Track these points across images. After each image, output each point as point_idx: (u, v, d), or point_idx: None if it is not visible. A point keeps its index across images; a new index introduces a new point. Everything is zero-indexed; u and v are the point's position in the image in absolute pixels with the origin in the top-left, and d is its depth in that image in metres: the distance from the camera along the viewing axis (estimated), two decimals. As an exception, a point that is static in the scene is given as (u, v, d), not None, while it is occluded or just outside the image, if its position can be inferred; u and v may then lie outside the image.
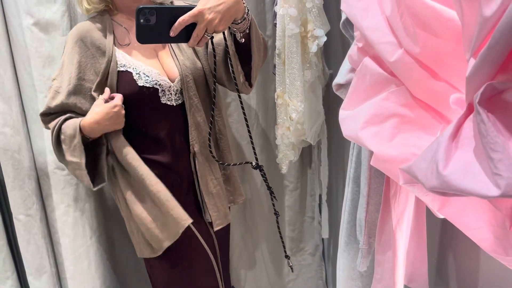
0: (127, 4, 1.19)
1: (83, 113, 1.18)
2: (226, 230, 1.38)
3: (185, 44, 1.14)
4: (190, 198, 1.26)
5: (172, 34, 0.96)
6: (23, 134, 1.36)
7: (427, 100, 0.61)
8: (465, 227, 0.57)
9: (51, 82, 1.22)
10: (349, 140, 1.37)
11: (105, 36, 1.18)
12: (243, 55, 1.17)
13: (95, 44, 1.17)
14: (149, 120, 1.20)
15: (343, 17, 0.92)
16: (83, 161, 1.13)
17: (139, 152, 1.18)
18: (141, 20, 0.95)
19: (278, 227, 1.32)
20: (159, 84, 1.17)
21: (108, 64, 1.16)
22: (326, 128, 1.46)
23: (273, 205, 1.28)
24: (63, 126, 1.16)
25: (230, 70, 1.11)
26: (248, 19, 1.08)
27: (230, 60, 1.12)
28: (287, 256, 1.36)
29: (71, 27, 1.34)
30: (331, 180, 1.57)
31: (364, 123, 0.63)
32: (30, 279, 1.41)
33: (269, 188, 1.25)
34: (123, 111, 1.15)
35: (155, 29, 0.96)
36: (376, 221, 1.00)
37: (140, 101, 1.17)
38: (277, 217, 1.30)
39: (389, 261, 0.86)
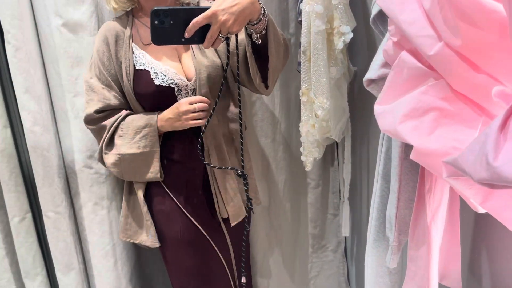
0: (151, 5, 1.21)
1: (123, 106, 1.22)
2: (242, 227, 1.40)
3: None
4: (203, 197, 1.28)
5: (186, 35, 0.97)
6: (52, 132, 1.39)
7: (467, 93, 0.60)
8: (509, 221, 0.57)
9: (83, 82, 1.25)
10: (374, 138, 1.38)
11: (125, 35, 1.21)
12: (261, 56, 1.16)
13: (116, 42, 1.21)
14: None
15: (374, 12, 0.91)
16: (158, 149, 1.19)
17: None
18: (156, 22, 0.96)
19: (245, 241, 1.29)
20: (175, 83, 1.19)
21: (126, 62, 1.19)
22: (350, 126, 1.45)
23: (246, 217, 1.28)
24: (125, 121, 1.20)
25: (239, 71, 1.12)
26: (265, 20, 1.06)
27: (238, 62, 1.13)
28: (243, 272, 1.28)
29: (98, 28, 1.36)
30: (354, 178, 1.56)
31: (402, 117, 0.63)
32: (58, 275, 1.44)
33: (248, 200, 1.22)
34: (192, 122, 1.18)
35: (170, 30, 0.97)
36: (406, 217, 0.99)
37: (157, 100, 1.20)
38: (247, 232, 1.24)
39: (423, 257, 0.85)
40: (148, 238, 1.25)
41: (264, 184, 1.66)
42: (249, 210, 1.24)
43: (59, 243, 1.41)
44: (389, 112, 0.67)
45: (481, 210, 0.67)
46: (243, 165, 1.23)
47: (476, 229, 0.92)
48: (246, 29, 1.10)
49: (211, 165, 1.21)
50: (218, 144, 1.27)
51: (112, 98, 1.21)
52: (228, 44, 1.04)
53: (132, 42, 1.22)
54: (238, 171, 1.19)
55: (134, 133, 1.18)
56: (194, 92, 1.21)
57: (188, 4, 1.31)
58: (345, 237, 1.78)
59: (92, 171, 1.44)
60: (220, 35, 0.98)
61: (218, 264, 1.29)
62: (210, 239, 1.27)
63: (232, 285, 1.33)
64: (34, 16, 1.34)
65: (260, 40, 1.09)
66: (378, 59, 0.87)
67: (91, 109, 1.21)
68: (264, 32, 1.08)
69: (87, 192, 1.44)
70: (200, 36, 0.98)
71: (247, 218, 1.24)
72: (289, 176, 1.69)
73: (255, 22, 1.04)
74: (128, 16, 1.25)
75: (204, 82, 1.20)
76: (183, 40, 0.98)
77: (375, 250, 1.10)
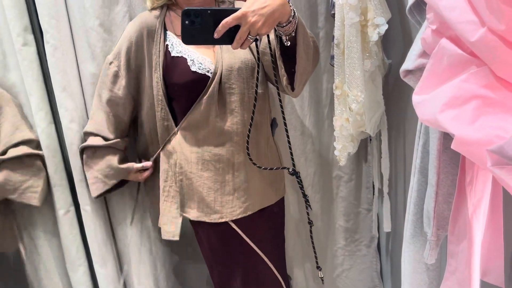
0: (188, 1, 1.23)
1: (127, 98, 1.32)
2: (276, 216, 1.41)
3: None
4: (233, 183, 1.29)
5: (216, 35, 0.97)
6: (88, 129, 1.44)
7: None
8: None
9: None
10: (410, 131, 1.35)
11: (158, 25, 1.25)
12: (290, 59, 1.15)
13: (148, 33, 1.25)
14: (191, 105, 1.24)
15: (410, 1, 0.89)
16: None
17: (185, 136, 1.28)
18: (186, 22, 0.97)
19: (311, 237, 1.32)
20: (211, 72, 1.21)
21: (157, 52, 1.22)
22: (386, 119, 1.43)
23: (307, 213, 1.29)
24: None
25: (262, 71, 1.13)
26: (295, 22, 1.05)
27: (273, 62, 1.13)
28: (318, 267, 1.38)
29: (131, 27, 1.40)
30: (389, 173, 1.54)
31: (443, 106, 0.61)
32: (96, 267, 1.49)
33: (304, 196, 1.26)
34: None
35: (200, 30, 0.98)
36: (445, 212, 0.97)
37: (192, 86, 1.22)
38: (310, 227, 1.30)
39: (464, 252, 0.83)
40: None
41: (293, 177, 1.65)
42: (306, 206, 1.28)
43: (96, 235, 1.45)
44: (428, 101, 0.65)
45: (527, 203, 0.64)
46: (294, 163, 1.23)
47: (520, 223, 0.89)
48: (275, 30, 1.10)
49: (263, 167, 1.22)
50: (256, 141, 1.28)
51: (121, 89, 1.29)
52: (257, 46, 1.04)
53: (167, 30, 1.25)
54: (290, 170, 1.21)
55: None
56: (220, 83, 1.22)
57: (223, 3, 1.33)
58: (378, 232, 1.75)
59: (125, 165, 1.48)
60: (249, 36, 0.98)
61: (256, 259, 1.31)
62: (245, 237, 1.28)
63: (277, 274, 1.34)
64: (69, 16, 1.39)
65: (289, 42, 1.08)
66: (415, 49, 0.85)
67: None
68: (293, 34, 1.07)
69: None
70: (229, 36, 0.98)
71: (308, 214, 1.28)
72: (319, 168, 1.68)
73: (284, 24, 1.03)
74: (162, 8, 1.28)
75: (233, 75, 1.21)
76: (212, 40, 0.98)
77: (412, 245, 1.08)
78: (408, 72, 0.87)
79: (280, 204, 1.44)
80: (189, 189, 1.28)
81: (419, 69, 0.85)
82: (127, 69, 1.28)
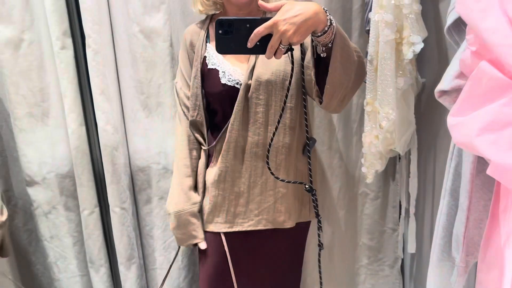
0: (234, 12, 1.25)
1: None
2: (292, 243, 1.39)
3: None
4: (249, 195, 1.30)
5: (249, 45, 0.97)
6: (121, 132, 1.48)
7: (555, 106, 0.57)
8: None
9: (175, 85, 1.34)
10: (441, 152, 1.32)
11: (200, 36, 1.28)
12: (327, 70, 1.10)
13: (193, 44, 1.28)
14: (227, 115, 1.25)
15: (449, 21, 0.88)
16: None
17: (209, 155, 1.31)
18: (220, 31, 0.98)
19: (319, 260, 1.29)
20: (240, 84, 1.22)
21: (198, 62, 1.25)
22: (416, 139, 1.40)
23: (319, 235, 1.25)
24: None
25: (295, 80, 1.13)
26: (332, 32, 1.02)
27: (303, 74, 1.13)
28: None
29: (171, 35, 1.43)
30: (417, 193, 1.50)
31: (480, 130, 0.60)
32: (121, 268, 1.51)
33: (317, 215, 1.23)
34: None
35: (234, 40, 0.98)
36: (475, 238, 0.94)
37: (222, 97, 1.24)
38: (319, 250, 1.27)
39: (494, 282, 0.80)
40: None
41: (318, 190, 1.64)
42: (318, 227, 1.24)
43: (123, 237, 1.48)
44: (464, 124, 0.64)
45: None
46: (311, 179, 1.22)
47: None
48: (312, 41, 1.09)
49: (280, 179, 1.21)
50: (271, 154, 1.27)
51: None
52: (292, 55, 1.03)
53: (209, 43, 1.27)
54: (307, 186, 1.19)
55: None
56: (252, 94, 1.22)
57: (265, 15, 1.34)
58: (403, 253, 1.71)
59: (159, 167, 1.51)
60: (281, 45, 0.97)
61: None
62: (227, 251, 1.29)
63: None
64: (111, 22, 1.43)
65: (326, 54, 1.06)
66: (452, 69, 0.84)
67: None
68: (330, 45, 1.04)
69: (154, 187, 1.51)
70: (263, 46, 0.98)
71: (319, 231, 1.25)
72: (345, 184, 1.67)
73: (319, 34, 1.01)
74: (206, 20, 1.31)
75: (261, 87, 1.21)
76: (246, 49, 0.99)
77: (439, 270, 1.05)
78: (444, 92, 0.86)
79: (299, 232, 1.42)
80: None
81: (455, 90, 0.83)
82: (186, 85, 1.33)
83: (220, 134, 1.26)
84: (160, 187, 1.52)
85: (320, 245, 1.27)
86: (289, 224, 1.33)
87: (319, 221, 1.25)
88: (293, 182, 1.24)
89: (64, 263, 1.57)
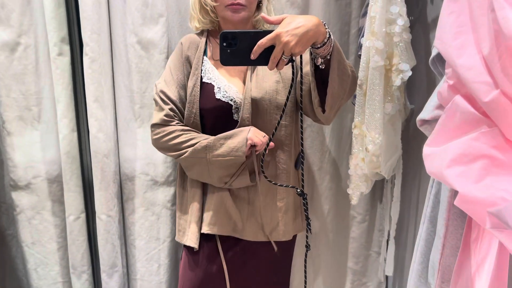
0: (230, 28, 1.27)
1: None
2: (280, 255, 1.39)
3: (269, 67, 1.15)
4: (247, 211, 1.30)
5: (252, 57, 1.01)
6: (113, 140, 1.49)
7: (522, 144, 0.59)
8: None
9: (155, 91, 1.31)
10: (426, 178, 1.34)
11: (199, 48, 1.29)
12: (325, 83, 1.15)
13: (190, 53, 1.28)
14: (216, 129, 1.26)
15: (433, 53, 0.91)
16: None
17: None
18: (224, 44, 1.01)
19: (305, 261, 1.30)
20: (234, 101, 1.23)
21: (196, 74, 1.25)
22: (402, 164, 1.42)
23: (306, 237, 1.28)
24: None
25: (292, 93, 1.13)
26: (330, 45, 1.07)
27: (302, 90, 1.13)
28: None
29: (168, 47, 1.46)
30: (401, 217, 1.52)
31: (450, 162, 0.62)
32: (103, 276, 1.51)
33: (307, 219, 1.26)
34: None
35: (237, 52, 1.02)
36: (451, 265, 0.95)
37: (215, 113, 1.25)
38: (306, 251, 1.29)
39: (464, 310, 0.81)
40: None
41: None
42: (307, 229, 1.26)
43: (107, 244, 1.48)
44: (437, 155, 0.66)
45: (530, 268, 0.63)
46: (303, 184, 1.23)
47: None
48: (311, 53, 1.12)
49: (273, 182, 1.23)
50: (273, 175, 1.29)
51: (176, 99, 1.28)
52: (293, 66, 1.06)
53: (206, 56, 1.29)
54: (298, 190, 1.21)
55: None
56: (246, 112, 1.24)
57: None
58: (387, 278, 1.71)
59: (148, 178, 1.52)
60: (284, 56, 1.01)
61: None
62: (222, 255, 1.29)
63: None
64: (110, 32, 1.46)
65: (324, 66, 1.10)
66: (433, 100, 0.86)
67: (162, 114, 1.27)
68: (328, 57, 1.10)
69: (140, 197, 1.52)
70: (265, 57, 1.02)
71: (307, 238, 1.27)
72: (334, 206, 1.67)
73: (319, 46, 1.05)
74: (203, 33, 1.33)
75: (248, 106, 1.23)
76: (249, 61, 1.02)
77: (415, 295, 1.06)
78: (425, 121, 0.88)
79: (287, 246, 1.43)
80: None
81: (435, 120, 0.86)
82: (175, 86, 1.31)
83: None
84: (146, 198, 1.52)
85: (308, 246, 1.29)
86: (286, 237, 1.35)
87: (308, 224, 1.27)
88: (285, 186, 1.26)
89: (45, 270, 1.56)
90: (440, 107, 0.84)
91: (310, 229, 1.28)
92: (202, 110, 1.27)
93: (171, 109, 1.25)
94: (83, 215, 1.51)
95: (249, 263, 1.33)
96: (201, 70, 1.27)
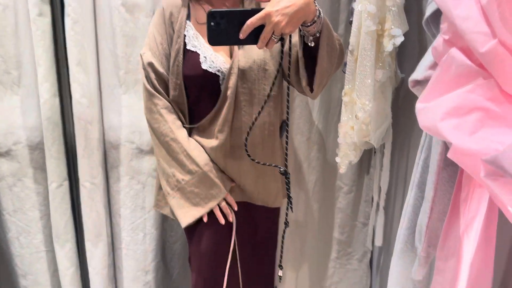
0: (219, 4, 1.22)
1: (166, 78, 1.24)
2: (272, 221, 1.39)
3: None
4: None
5: (241, 36, 0.98)
6: (97, 107, 1.45)
7: (518, 95, 0.57)
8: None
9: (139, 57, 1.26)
10: (415, 147, 1.34)
11: (181, 12, 1.23)
12: (313, 59, 1.13)
13: (173, 18, 1.23)
14: (206, 103, 1.23)
15: (428, 13, 0.88)
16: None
17: (190, 133, 1.26)
18: (212, 23, 0.98)
19: (283, 237, 1.32)
20: (221, 72, 1.19)
21: (179, 41, 1.20)
22: (391, 132, 1.41)
23: (286, 214, 1.30)
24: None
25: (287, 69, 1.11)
26: (320, 23, 1.05)
27: (290, 63, 1.12)
28: (280, 266, 1.38)
29: (154, 10, 1.40)
30: (389, 187, 1.52)
31: (445, 114, 0.60)
32: (88, 245, 1.49)
33: (289, 197, 1.28)
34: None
35: (226, 31, 0.99)
36: (438, 230, 0.95)
37: (201, 84, 1.22)
38: (285, 227, 1.32)
39: (451, 270, 0.81)
40: None
41: (293, 181, 1.64)
42: (289, 208, 1.27)
43: (92, 213, 1.46)
44: (431, 109, 0.65)
45: (520, 223, 0.63)
46: (286, 164, 1.23)
47: (513, 250, 0.87)
48: (300, 30, 1.09)
49: (256, 161, 1.22)
50: (259, 143, 1.27)
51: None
52: (282, 45, 1.04)
53: (189, 21, 1.23)
54: (281, 169, 1.20)
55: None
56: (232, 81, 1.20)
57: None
58: (372, 247, 1.73)
59: (133, 146, 1.48)
60: (274, 36, 0.99)
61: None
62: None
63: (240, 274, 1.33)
64: (94, -5, 1.40)
65: (314, 43, 1.08)
66: (426, 59, 0.85)
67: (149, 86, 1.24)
68: (317, 35, 1.07)
69: (126, 166, 1.49)
70: (255, 36, 0.99)
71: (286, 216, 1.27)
72: (321, 177, 1.67)
73: (309, 24, 1.03)
74: None
75: (234, 76, 1.19)
76: (238, 40, 1.00)
77: (401, 260, 1.07)
78: (417, 82, 0.86)
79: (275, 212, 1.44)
80: None
81: (428, 81, 0.84)
82: (160, 57, 1.26)
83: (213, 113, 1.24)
84: (132, 166, 1.49)
85: (286, 223, 1.30)
86: (276, 204, 1.37)
87: (290, 202, 1.29)
88: (268, 165, 1.25)
89: (28, 238, 1.52)
90: (433, 66, 0.82)
91: (291, 207, 1.30)
92: (186, 80, 1.22)
93: (160, 83, 1.23)
94: (66, 183, 1.48)
95: (245, 222, 1.33)
96: (184, 36, 1.21)
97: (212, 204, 1.22)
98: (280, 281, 1.55)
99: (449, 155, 0.59)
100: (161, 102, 1.23)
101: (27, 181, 1.48)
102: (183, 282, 1.70)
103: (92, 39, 1.42)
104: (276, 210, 1.43)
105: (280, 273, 1.42)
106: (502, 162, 0.45)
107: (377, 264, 1.72)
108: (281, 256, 1.41)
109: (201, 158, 1.22)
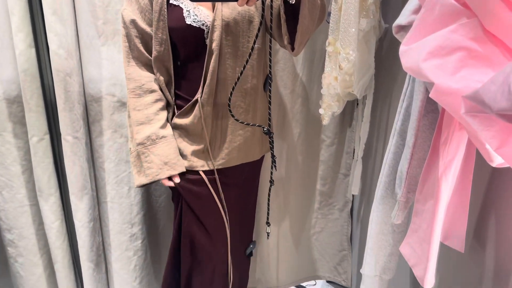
0: None
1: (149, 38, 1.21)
2: (246, 181, 1.41)
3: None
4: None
5: None
6: (75, 58, 1.40)
7: (500, 35, 0.58)
8: (522, 169, 0.55)
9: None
10: (396, 98, 1.35)
11: None
12: (294, 17, 1.12)
13: None
14: (191, 57, 1.22)
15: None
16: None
17: (176, 87, 1.25)
18: None
19: (269, 195, 1.35)
20: (206, 25, 1.17)
21: None
22: (374, 84, 1.42)
23: (271, 173, 1.34)
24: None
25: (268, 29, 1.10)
26: None
27: (271, 15, 1.10)
28: (267, 223, 1.43)
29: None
30: (370, 138, 1.55)
31: (427, 54, 0.60)
32: (72, 198, 1.49)
33: (273, 156, 1.31)
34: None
35: None
36: (417, 176, 0.98)
37: (186, 39, 1.19)
38: (270, 185, 1.36)
39: (428, 211, 0.84)
40: None
41: (277, 134, 1.66)
42: (273, 166, 1.31)
43: (75, 167, 1.45)
44: (414, 50, 0.65)
45: (496, 163, 0.65)
46: (270, 123, 1.23)
47: (488, 193, 0.90)
48: None
49: (240, 121, 1.22)
50: (241, 96, 1.26)
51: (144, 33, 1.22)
52: (263, 2, 1.01)
53: None
54: (265, 129, 1.20)
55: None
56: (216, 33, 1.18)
57: None
58: (353, 197, 1.78)
59: (114, 99, 1.46)
60: None
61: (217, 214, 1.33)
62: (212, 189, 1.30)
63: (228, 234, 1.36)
64: None
65: (294, 1, 1.06)
66: (411, 4, 0.83)
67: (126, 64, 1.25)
68: None
69: (108, 119, 1.46)
70: None
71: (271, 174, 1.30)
72: (304, 130, 1.69)
73: None
74: None
75: (218, 29, 1.17)
76: None
77: (381, 206, 1.10)
78: (401, 28, 0.86)
79: (259, 163, 1.46)
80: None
81: (411, 26, 0.84)
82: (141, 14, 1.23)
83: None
84: (114, 120, 1.47)
85: (271, 182, 1.32)
86: (257, 157, 1.39)
87: (273, 161, 1.31)
88: (251, 125, 1.25)
89: (11, 193, 1.51)
90: (417, 11, 0.81)
91: (275, 166, 1.33)
92: (172, 34, 1.19)
93: (142, 41, 1.20)
94: (47, 137, 1.45)
95: (230, 185, 1.35)
96: None
97: (151, 178, 1.23)
98: (268, 238, 1.60)
99: (431, 95, 0.60)
100: (137, 64, 1.23)
101: (6, 135, 1.45)
102: (169, 234, 1.74)
103: (67, -13, 1.35)
104: (261, 160, 1.45)
105: (268, 229, 1.46)
106: (482, 96, 0.46)
107: (358, 213, 1.78)
108: (268, 213, 1.44)
109: (141, 135, 1.22)
